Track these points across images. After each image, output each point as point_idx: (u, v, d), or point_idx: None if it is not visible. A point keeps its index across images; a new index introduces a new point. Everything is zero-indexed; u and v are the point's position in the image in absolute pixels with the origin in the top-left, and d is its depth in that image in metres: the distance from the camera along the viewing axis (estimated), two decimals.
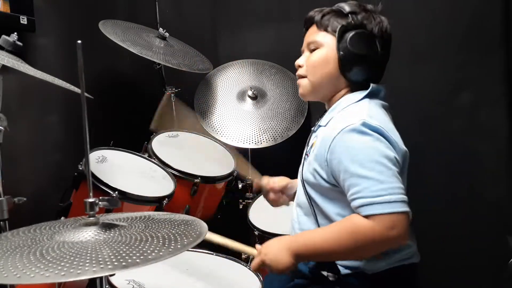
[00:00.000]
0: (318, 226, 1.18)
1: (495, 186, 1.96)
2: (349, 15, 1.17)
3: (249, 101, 2.20)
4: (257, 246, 1.19)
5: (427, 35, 2.00)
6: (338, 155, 1.08)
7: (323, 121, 1.22)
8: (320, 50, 1.21)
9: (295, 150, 2.16)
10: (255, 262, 1.17)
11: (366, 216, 1.03)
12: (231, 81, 2.27)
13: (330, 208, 1.15)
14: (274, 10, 2.32)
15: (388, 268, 1.13)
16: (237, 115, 2.17)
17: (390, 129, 1.12)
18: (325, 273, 1.15)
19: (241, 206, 2.07)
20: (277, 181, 1.42)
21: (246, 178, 2.13)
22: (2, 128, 1.23)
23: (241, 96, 2.22)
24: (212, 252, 1.45)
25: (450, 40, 1.97)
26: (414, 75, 1.99)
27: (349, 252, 1.09)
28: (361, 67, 1.17)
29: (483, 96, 1.96)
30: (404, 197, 1.04)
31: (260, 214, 1.81)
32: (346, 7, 1.18)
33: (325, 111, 1.28)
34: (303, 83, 1.25)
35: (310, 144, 1.23)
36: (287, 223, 1.48)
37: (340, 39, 1.16)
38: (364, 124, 1.07)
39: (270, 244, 1.16)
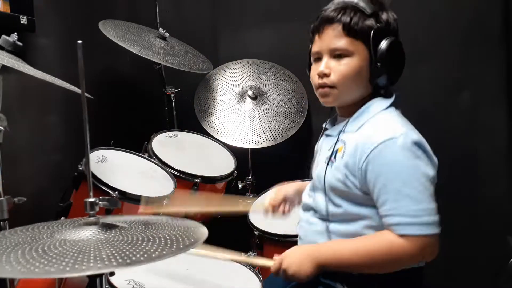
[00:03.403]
0: (328, 231, 1.16)
1: (495, 186, 1.96)
2: (373, 16, 1.13)
3: (249, 101, 2.20)
4: (276, 255, 1.16)
5: (427, 34, 2.00)
6: (378, 167, 1.06)
7: (349, 127, 1.17)
8: (351, 59, 1.13)
9: (295, 150, 2.18)
10: (275, 270, 1.14)
11: (401, 235, 1.03)
12: (231, 81, 2.27)
13: (357, 212, 1.12)
14: (274, 10, 2.32)
15: (398, 271, 1.12)
16: (237, 115, 2.17)
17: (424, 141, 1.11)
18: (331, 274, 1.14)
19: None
20: (275, 199, 1.39)
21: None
22: (2, 128, 1.23)
23: (241, 96, 2.22)
24: None
25: (450, 39, 1.97)
26: (414, 75, 1.99)
27: (378, 268, 1.09)
28: (391, 73, 1.15)
29: (483, 95, 1.96)
30: (437, 219, 1.05)
31: (260, 214, 1.80)
32: (367, 8, 1.12)
33: (334, 113, 1.27)
34: (333, 94, 1.16)
35: (333, 149, 1.17)
36: (287, 223, 1.48)
37: (374, 49, 1.12)
38: (406, 139, 1.06)
39: (293, 253, 1.13)
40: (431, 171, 1.07)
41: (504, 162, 1.94)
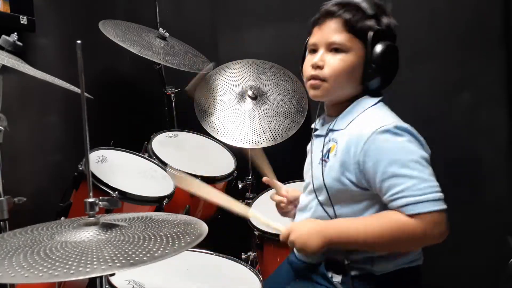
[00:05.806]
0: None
1: (495, 186, 1.96)
2: (374, 18, 1.14)
3: (249, 101, 2.20)
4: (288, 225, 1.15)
5: (427, 35, 2.00)
6: (374, 156, 1.06)
7: (338, 125, 1.17)
8: (347, 55, 1.14)
9: (295, 150, 2.16)
10: (283, 240, 1.13)
11: (411, 215, 1.03)
12: (231, 81, 2.27)
13: (353, 211, 1.13)
14: (274, 10, 2.32)
15: (395, 270, 1.13)
16: (237, 115, 2.17)
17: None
18: (329, 273, 1.14)
19: None
20: (291, 192, 1.38)
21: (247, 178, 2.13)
22: (2, 128, 1.23)
23: (241, 96, 2.22)
24: (212, 252, 1.45)
25: (450, 39, 1.97)
26: (414, 75, 1.99)
27: (389, 247, 1.09)
28: (383, 77, 1.16)
29: (483, 95, 1.96)
30: (443, 195, 1.05)
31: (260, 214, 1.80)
32: (369, 9, 1.13)
33: (322, 112, 1.27)
34: (323, 87, 1.16)
35: (325, 149, 1.17)
36: (287, 223, 1.48)
37: (372, 49, 1.12)
38: (397, 126, 1.07)
39: (302, 226, 1.13)
40: (425, 153, 1.08)
41: (504, 162, 1.95)
